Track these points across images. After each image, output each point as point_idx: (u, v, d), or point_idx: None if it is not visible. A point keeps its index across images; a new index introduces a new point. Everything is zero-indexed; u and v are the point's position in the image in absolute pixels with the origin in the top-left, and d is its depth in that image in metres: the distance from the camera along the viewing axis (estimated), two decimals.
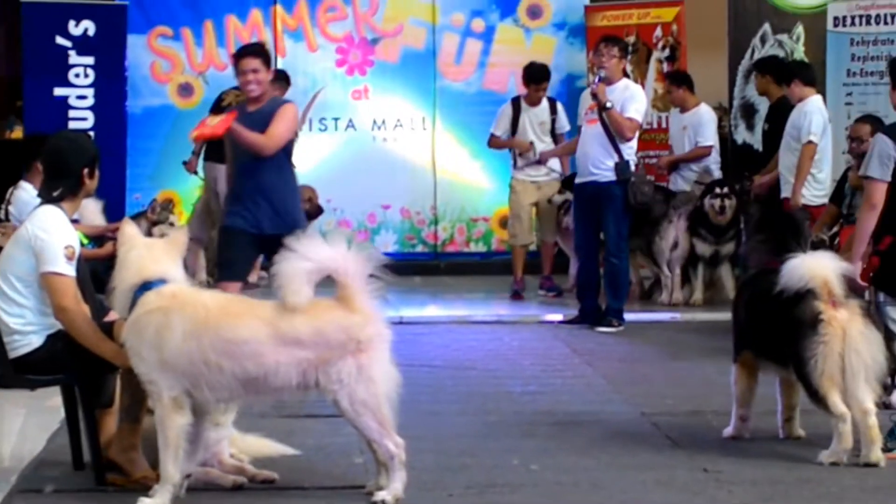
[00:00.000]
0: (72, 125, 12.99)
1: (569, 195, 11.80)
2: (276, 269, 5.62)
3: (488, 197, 14.50)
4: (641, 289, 12.48)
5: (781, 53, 12.84)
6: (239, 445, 6.31)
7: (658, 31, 13.91)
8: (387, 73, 14.61)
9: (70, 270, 5.96)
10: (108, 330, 5.98)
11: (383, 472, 5.74)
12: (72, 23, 13.33)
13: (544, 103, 12.47)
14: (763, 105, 12.56)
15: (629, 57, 12.58)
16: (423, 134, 14.66)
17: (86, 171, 6.20)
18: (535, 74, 12.42)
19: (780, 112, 11.18)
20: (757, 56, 12.96)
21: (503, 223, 13.86)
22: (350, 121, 14.60)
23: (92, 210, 9.50)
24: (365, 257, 5.66)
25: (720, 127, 12.68)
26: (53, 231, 5.99)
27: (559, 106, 12.61)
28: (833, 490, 6.01)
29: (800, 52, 12.91)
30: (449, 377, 8.93)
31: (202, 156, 12.51)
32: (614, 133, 10.62)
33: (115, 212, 10.74)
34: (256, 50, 8.77)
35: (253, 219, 8.59)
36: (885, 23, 12.23)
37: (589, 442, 6.96)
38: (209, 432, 5.93)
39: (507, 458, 6.54)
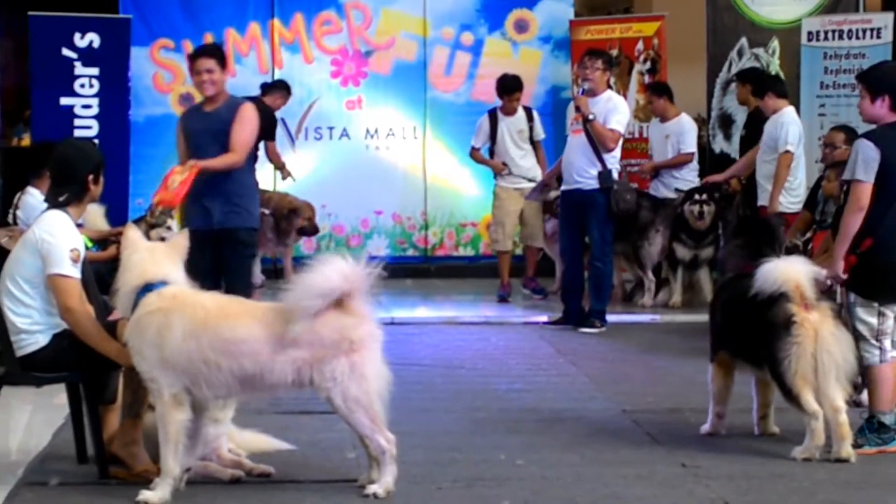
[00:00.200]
0: (77, 133, 13.09)
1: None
2: (287, 295, 5.65)
3: (476, 203, 14.56)
4: (623, 291, 12.56)
5: (758, 66, 12.96)
6: (236, 441, 6.35)
7: (640, 45, 14.03)
8: (379, 84, 14.71)
9: (75, 272, 6.03)
10: (112, 329, 6.04)
11: (375, 467, 5.82)
12: (77, 35, 13.45)
13: (520, 112, 12.49)
14: (740, 116, 12.69)
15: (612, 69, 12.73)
16: (414, 143, 14.77)
17: (91, 177, 6.26)
18: (508, 85, 12.47)
19: (758, 120, 11.31)
20: (735, 69, 13.09)
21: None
22: (344, 130, 14.72)
23: (96, 214, 9.50)
24: (368, 273, 5.68)
25: (699, 137, 12.72)
26: (59, 235, 6.06)
27: (535, 114, 12.66)
28: (806, 485, 6.09)
29: (775, 66, 13.03)
30: (438, 376, 8.96)
31: None
32: (597, 143, 10.70)
33: (118, 216, 10.73)
34: (211, 51, 8.67)
35: (208, 215, 8.45)
36: (857, 37, 12.32)
37: (572, 438, 7.03)
38: (208, 428, 5.97)
39: (493, 453, 6.61)
